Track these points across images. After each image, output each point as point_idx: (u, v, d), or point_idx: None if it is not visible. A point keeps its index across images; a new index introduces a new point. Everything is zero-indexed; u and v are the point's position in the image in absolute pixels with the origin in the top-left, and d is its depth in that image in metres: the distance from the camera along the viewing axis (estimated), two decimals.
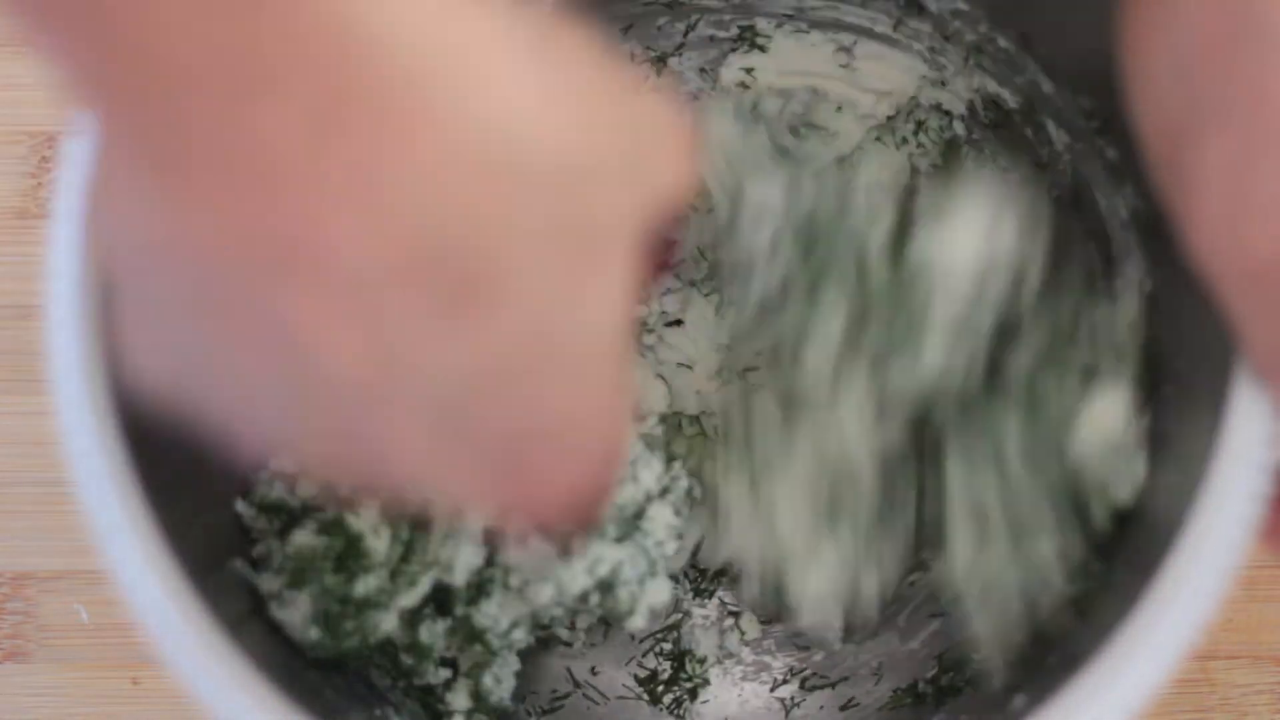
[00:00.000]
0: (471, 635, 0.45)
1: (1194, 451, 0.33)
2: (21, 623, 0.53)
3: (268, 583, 0.42)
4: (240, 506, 0.43)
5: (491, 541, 0.44)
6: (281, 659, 0.40)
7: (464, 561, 0.44)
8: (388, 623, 0.42)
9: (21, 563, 0.53)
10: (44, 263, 0.32)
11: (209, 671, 0.32)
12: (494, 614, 0.45)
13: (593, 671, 0.51)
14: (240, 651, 0.32)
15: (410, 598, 0.43)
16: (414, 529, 0.43)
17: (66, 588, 0.53)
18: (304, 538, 0.42)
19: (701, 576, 0.52)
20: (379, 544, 0.42)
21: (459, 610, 0.45)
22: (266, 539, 0.43)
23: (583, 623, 0.50)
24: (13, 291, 0.56)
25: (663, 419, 0.49)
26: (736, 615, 0.52)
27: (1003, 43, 0.46)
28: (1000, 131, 0.50)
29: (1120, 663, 0.31)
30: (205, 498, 0.40)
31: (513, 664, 0.47)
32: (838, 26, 0.51)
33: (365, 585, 0.42)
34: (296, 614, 0.41)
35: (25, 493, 0.54)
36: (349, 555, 0.42)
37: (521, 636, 0.46)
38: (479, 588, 0.45)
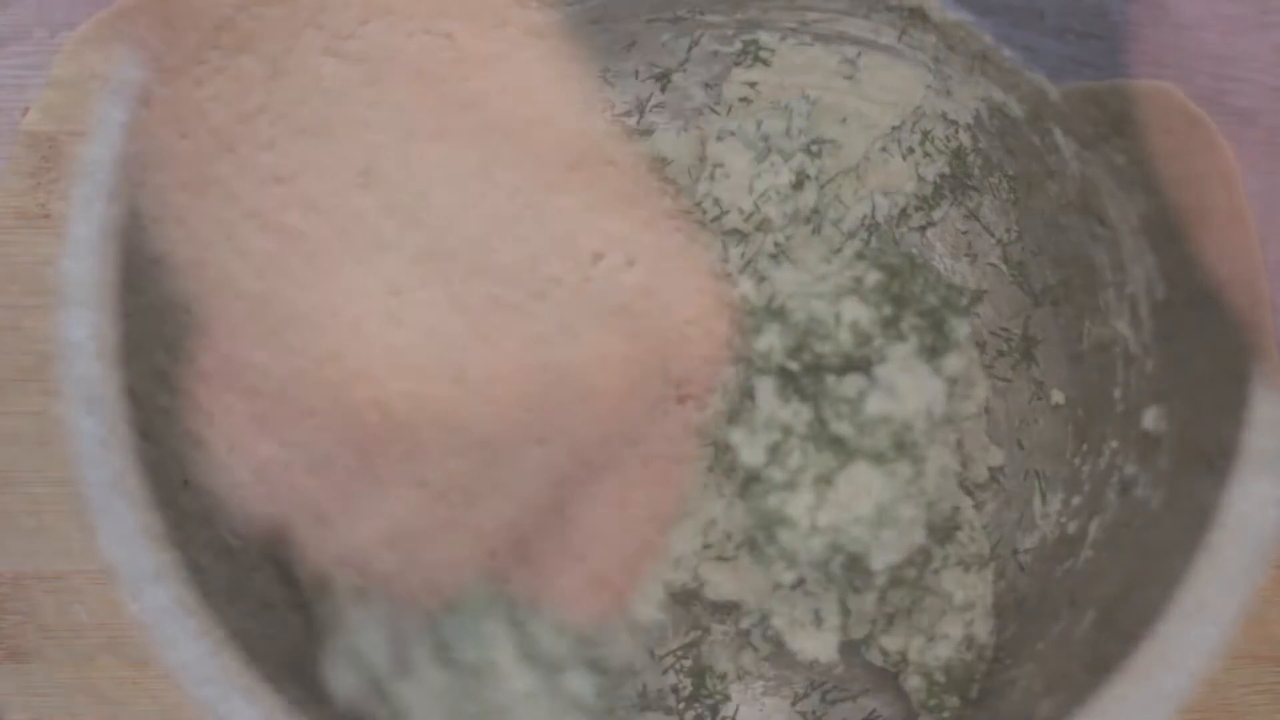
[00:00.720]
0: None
1: (1213, 457, 0.33)
2: (21, 623, 0.52)
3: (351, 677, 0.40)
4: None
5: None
6: (286, 663, 0.40)
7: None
8: None
9: (21, 563, 0.53)
10: (53, 263, 0.32)
11: (212, 674, 0.31)
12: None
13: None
14: (244, 654, 0.32)
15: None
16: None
17: (66, 588, 0.53)
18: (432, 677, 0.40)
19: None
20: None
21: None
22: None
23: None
24: (13, 292, 0.56)
25: None
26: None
27: (1007, 51, 0.46)
28: (1007, 139, 0.50)
29: (1148, 670, 0.32)
30: (210, 500, 0.40)
31: None
32: (841, 39, 0.51)
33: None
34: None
35: (25, 493, 0.53)
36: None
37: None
38: None
